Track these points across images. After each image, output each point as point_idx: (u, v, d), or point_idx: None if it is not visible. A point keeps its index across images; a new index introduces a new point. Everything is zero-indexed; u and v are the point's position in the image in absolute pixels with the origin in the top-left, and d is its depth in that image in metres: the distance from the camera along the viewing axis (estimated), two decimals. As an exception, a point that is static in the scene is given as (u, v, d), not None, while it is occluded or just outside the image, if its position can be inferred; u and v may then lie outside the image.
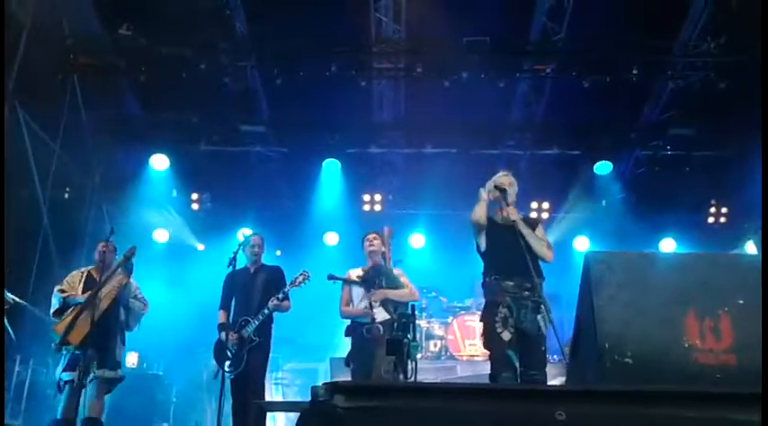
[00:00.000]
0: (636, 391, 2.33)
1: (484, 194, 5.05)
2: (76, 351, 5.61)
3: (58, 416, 5.60)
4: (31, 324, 7.78)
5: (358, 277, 6.35)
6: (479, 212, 4.99)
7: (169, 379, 8.92)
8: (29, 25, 7.64)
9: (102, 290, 5.75)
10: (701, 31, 8.72)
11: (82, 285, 5.96)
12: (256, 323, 6.17)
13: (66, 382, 5.61)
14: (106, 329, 5.75)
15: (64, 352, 5.70)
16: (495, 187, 5.01)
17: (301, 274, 6.44)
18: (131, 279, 6.03)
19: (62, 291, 5.90)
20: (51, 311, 5.91)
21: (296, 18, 8.58)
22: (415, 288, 6.56)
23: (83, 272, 6.12)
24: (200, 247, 10.94)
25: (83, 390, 5.52)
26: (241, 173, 10.81)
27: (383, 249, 6.40)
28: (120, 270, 5.88)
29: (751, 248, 10.03)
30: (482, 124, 10.28)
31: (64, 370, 5.65)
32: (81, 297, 5.81)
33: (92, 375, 5.63)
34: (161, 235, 10.84)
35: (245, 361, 6.13)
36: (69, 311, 5.76)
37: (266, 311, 6.20)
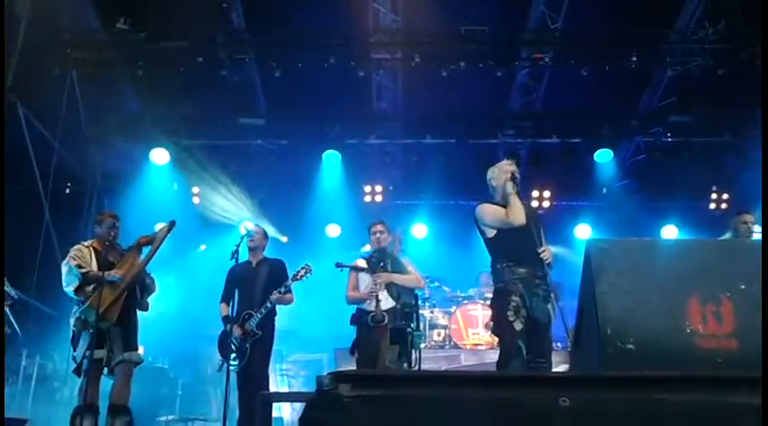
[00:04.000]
0: (638, 376, 2.35)
1: (509, 187, 4.75)
2: (102, 329, 5.21)
3: (82, 402, 5.11)
4: (36, 319, 7.82)
5: (365, 263, 6.27)
6: (520, 212, 4.68)
7: (174, 372, 8.94)
8: (26, 20, 7.63)
9: (124, 266, 5.48)
10: (699, 17, 8.71)
11: (94, 261, 5.52)
12: (259, 316, 6.20)
13: (94, 361, 5.12)
14: (131, 307, 5.50)
15: (83, 330, 5.27)
16: (512, 177, 4.78)
17: (303, 268, 6.42)
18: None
19: (80, 266, 5.40)
20: (72, 288, 5.37)
21: (293, 10, 8.57)
22: (422, 277, 6.53)
23: (88, 246, 5.63)
24: (203, 247, 10.88)
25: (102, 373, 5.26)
26: (241, 167, 10.80)
27: (390, 239, 6.36)
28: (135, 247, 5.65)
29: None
30: (481, 113, 10.28)
31: (89, 348, 5.14)
32: (117, 274, 5.38)
33: (119, 357, 5.27)
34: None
35: (249, 354, 6.18)
36: (92, 287, 5.33)
37: (268, 305, 6.23)
